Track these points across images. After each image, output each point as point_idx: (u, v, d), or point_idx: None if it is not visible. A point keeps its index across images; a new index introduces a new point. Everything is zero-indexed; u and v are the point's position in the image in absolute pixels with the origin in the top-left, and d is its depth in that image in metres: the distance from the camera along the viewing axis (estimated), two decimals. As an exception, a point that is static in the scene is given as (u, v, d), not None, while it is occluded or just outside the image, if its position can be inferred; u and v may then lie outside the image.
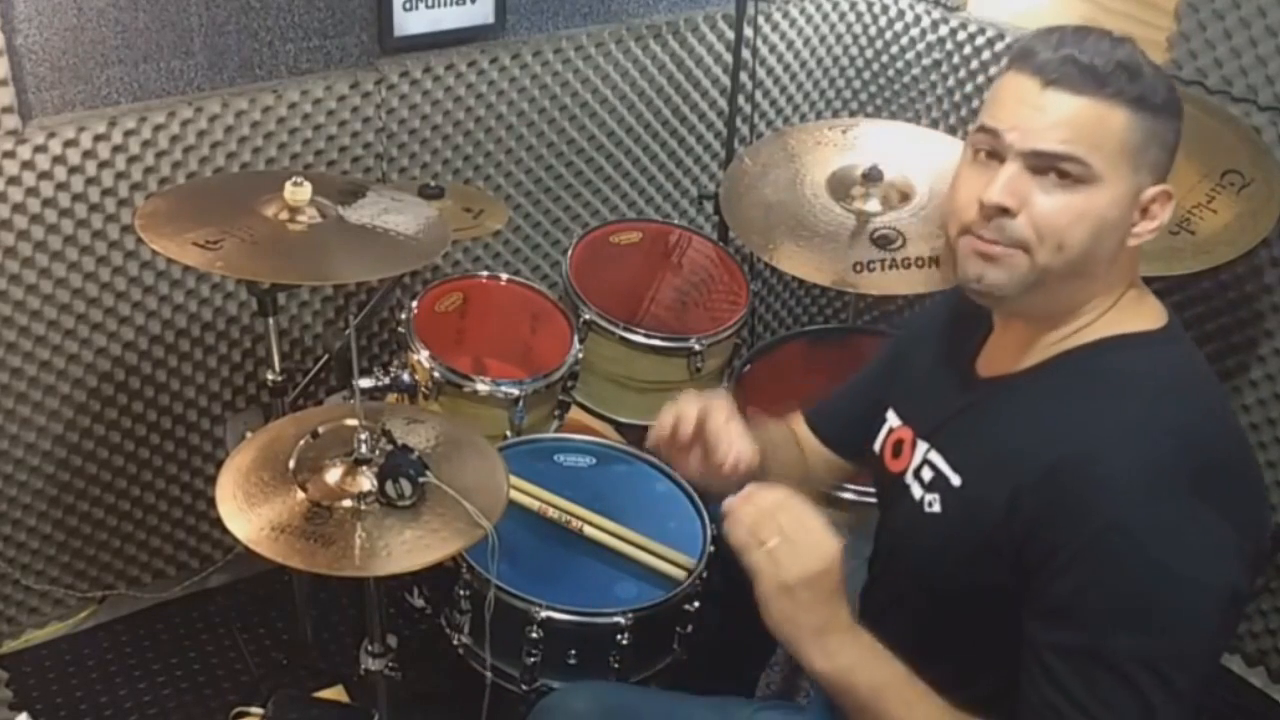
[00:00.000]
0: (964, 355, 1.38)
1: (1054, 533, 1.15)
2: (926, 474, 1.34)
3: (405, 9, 2.34)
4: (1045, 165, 1.17)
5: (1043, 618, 1.17)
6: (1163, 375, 1.21)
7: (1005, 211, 1.18)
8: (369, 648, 1.82)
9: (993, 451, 1.26)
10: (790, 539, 1.20)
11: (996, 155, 1.21)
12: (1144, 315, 1.26)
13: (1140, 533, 1.11)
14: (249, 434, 1.77)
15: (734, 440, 1.43)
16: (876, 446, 1.49)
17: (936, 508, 1.31)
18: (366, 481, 1.59)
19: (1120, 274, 1.24)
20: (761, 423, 1.62)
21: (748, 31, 2.64)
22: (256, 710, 1.86)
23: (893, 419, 1.48)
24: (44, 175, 2.06)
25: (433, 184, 2.23)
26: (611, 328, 2.22)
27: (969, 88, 2.77)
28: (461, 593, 1.80)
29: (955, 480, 1.29)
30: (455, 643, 1.85)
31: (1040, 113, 1.17)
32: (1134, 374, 1.21)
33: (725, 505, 1.26)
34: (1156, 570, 1.11)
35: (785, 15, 2.86)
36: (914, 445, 1.40)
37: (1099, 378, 1.22)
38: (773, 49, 2.89)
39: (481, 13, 2.44)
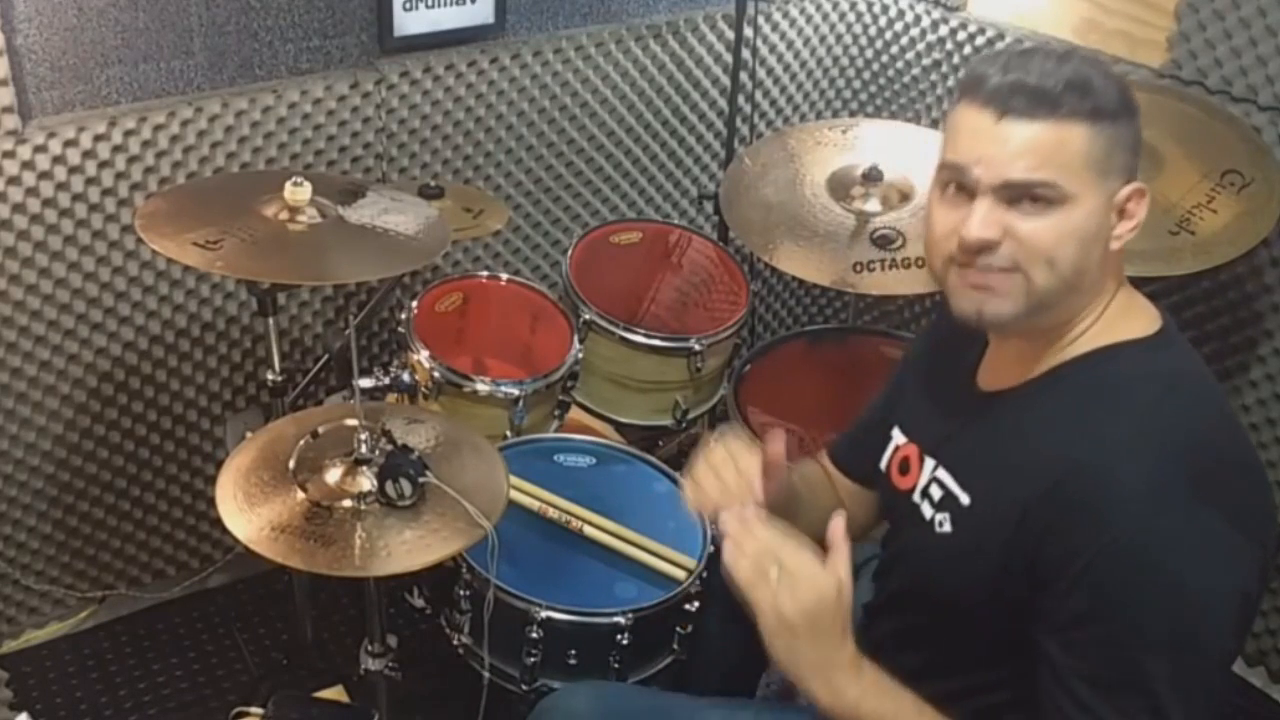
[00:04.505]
0: (964, 368, 1.38)
1: (1064, 548, 1.15)
2: (936, 493, 1.34)
3: (405, 9, 2.34)
4: (1018, 194, 1.18)
5: (1057, 633, 1.17)
6: (1159, 382, 1.21)
7: (988, 245, 1.19)
8: (369, 648, 1.82)
9: (999, 468, 1.26)
10: (790, 573, 1.18)
11: (966, 190, 1.21)
12: (1136, 320, 1.26)
13: (1149, 545, 1.11)
14: (249, 434, 1.77)
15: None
16: (883, 464, 1.49)
17: (947, 527, 1.30)
18: (366, 481, 1.59)
19: (1107, 278, 1.24)
20: (795, 460, 1.60)
21: (748, 31, 2.64)
22: (256, 710, 1.86)
23: (898, 436, 1.47)
24: (44, 175, 2.06)
25: (433, 184, 2.23)
26: (611, 328, 2.22)
27: (969, 88, 2.77)
28: (461, 593, 1.80)
29: (964, 499, 1.29)
30: (455, 643, 1.85)
31: (1001, 144, 1.17)
32: (1131, 383, 1.21)
33: (721, 523, 1.25)
34: (1166, 582, 1.11)
35: (785, 15, 2.86)
36: (921, 461, 1.40)
37: (1096, 389, 1.22)
38: (773, 49, 2.89)
39: (481, 13, 2.45)
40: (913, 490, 1.39)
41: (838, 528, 1.23)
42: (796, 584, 1.18)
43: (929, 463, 1.38)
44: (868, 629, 1.46)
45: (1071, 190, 1.16)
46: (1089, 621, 1.14)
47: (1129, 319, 1.25)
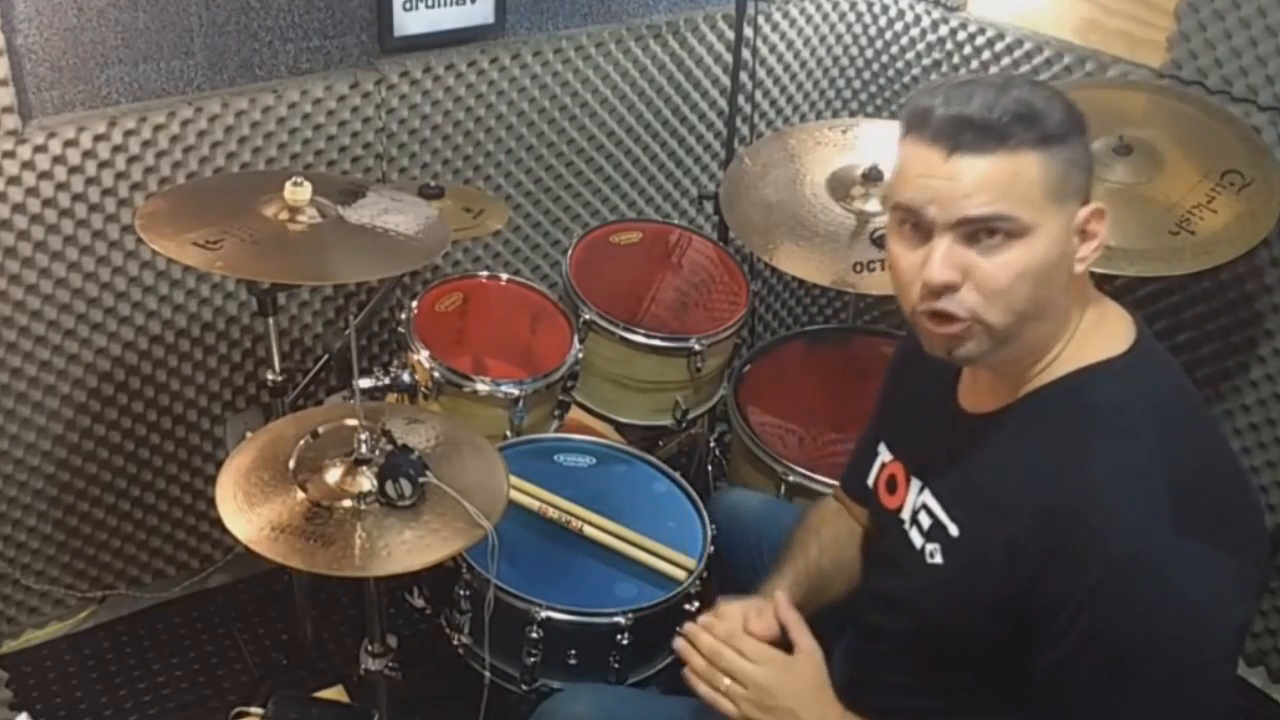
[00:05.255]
0: (944, 385, 1.36)
1: (1056, 584, 1.13)
2: (925, 521, 1.32)
3: (405, 9, 2.34)
4: (975, 229, 1.15)
5: (1056, 667, 1.15)
6: (1136, 405, 1.18)
7: (950, 286, 1.17)
8: (369, 648, 1.82)
9: (983, 498, 1.25)
10: (737, 678, 1.31)
11: (922, 229, 1.19)
12: (1108, 337, 1.23)
13: (1140, 580, 1.09)
14: (249, 434, 1.77)
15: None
16: (870, 481, 1.47)
17: (938, 559, 1.29)
18: (366, 481, 1.59)
19: (1074, 299, 1.22)
20: (814, 526, 1.60)
21: (748, 31, 2.64)
22: (256, 710, 1.86)
23: (884, 453, 1.46)
24: (44, 175, 2.06)
25: (433, 184, 2.23)
26: (611, 328, 2.22)
27: (969, 88, 2.77)
28: (461, 593, 1.80)
29: (953, 530, 1.28)
30: (455, 643, 1.85)
31: (953, 182, 1.15)
32: (1108, 408, 1.19)
33: (676, 645, 1.37)
34: (1159, 615, 1.10)
35: (785, 15, 2.86)
36: (908, 481, 1.38)
37: (1074, 417, 1.20)
38: (773, 49, 2.89)
39: (481, 13, 2.45)
40: (900, 510, 1.37)
41: (780, 603, 1.38)
42: (745, 684, 1.30)
43: (915, 484, 1.36)
44: (858, 642, 1.46)
45: (1030, 221, 1.14)
46: (1085, 656, 1.13)
47: (1101, 337, 1.23)
